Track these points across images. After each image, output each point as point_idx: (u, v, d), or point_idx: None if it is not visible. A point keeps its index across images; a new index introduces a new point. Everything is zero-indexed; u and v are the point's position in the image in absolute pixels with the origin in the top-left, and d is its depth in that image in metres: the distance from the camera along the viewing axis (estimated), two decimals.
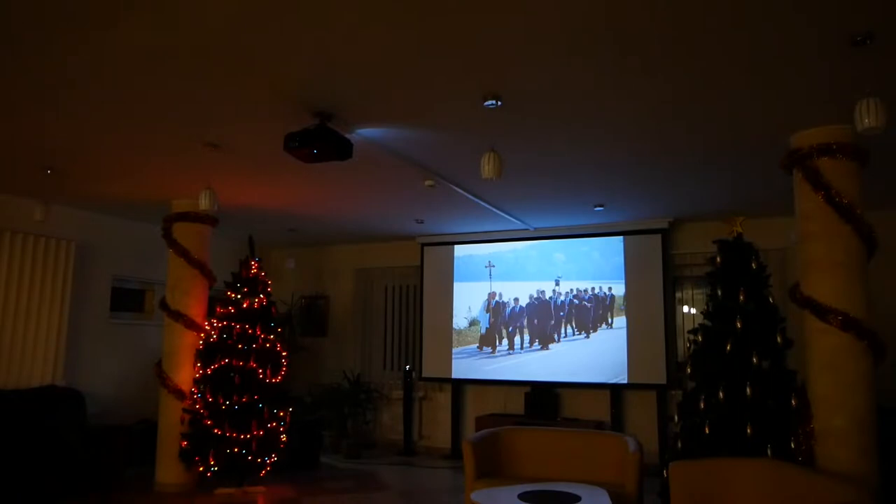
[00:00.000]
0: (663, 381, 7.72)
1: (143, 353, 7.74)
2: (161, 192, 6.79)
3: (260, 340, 6.69)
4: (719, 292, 5.19)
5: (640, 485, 5.00)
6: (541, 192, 6.74)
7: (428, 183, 6.29)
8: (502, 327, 8.81)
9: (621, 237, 8.19)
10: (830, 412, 4.46)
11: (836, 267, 4.58)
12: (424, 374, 9.14)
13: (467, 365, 8.87)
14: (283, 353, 6.89)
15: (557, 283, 8.53)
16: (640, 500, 5.02)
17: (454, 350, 8.99)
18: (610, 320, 8.18)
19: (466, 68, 3.82)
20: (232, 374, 6.49)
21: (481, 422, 8.20)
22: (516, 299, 8.76)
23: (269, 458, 6.61)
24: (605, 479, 5.05)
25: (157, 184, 6.49)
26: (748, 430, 4.66)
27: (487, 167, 4.59)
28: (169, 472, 6.68)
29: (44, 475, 5.90)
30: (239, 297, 6.81)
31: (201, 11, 3.21)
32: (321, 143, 4.45)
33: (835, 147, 4.60)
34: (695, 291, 8.09)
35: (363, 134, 4.92)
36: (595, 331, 8.25)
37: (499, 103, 4.24)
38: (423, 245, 9.38)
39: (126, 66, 3.83)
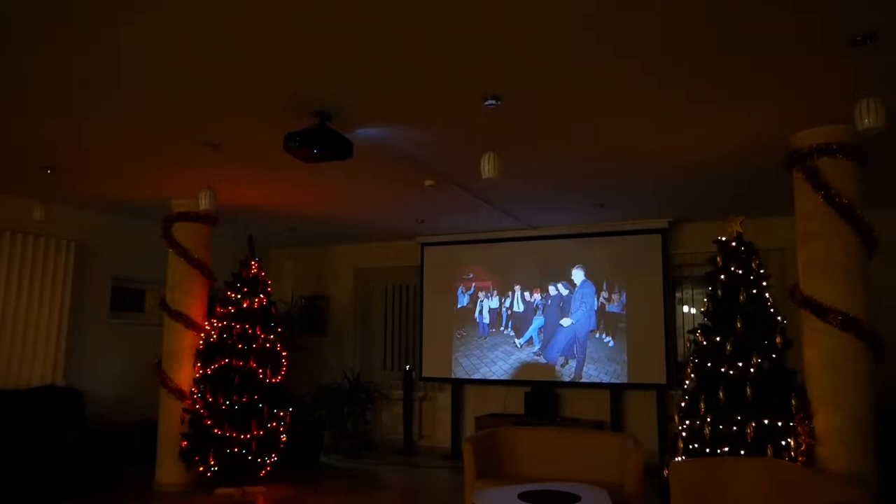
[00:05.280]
0: (663, 381, 7.72)
1: (143, 353, 7.72)
2: (161, 192, 6.79)
3: (260, 340, 6.69)
4: (719, 292, 5.19)
5: (640, 484, 5.00)
6: (541, 192, 6.75)
7: (428, 183, 6.29)
8: (503, 327, 8.80)
9: (621, 237, 8.19)
10: (830, 412, 4.46)
11: (836, 267, 4.59)
12: (424, 374, 9.14)
13: (468, 363, 8.86)
14: (283, 353, 6.89)
15: (557, 283, 8.52)
16: (640, 499, 5.01)
17: (454, 350, 8.99)
18: (610, 319, 8.18)
19: (466, 68, 3.82)
20: (232, 374, 6.49)
21: (481, 422, 8.20)
22: (516, 298, 8.76)
23: (269, 458, 6.61)
24: (605, 479, 5.04)
25: (157, 184, 6.49)
26: (748, 430, 4.66)
27: (487, 167, 4.58)
28: (169, 472, 6.68)
29: (44, 475, 5.90)
30: (239, 297, 6.81)
31: (202, 11, 3.21)
32: (321, 143, 4.45)
33: (835, 147, 4.61)
34: (695, 291, 8.08)
35: (363, 134, 4.92)
36: (595, 330, 8.24)
37: (499, 103, 4.24)
38: (423, 245, 9.37)
39: (126, 66, 3.83)
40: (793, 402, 4.61)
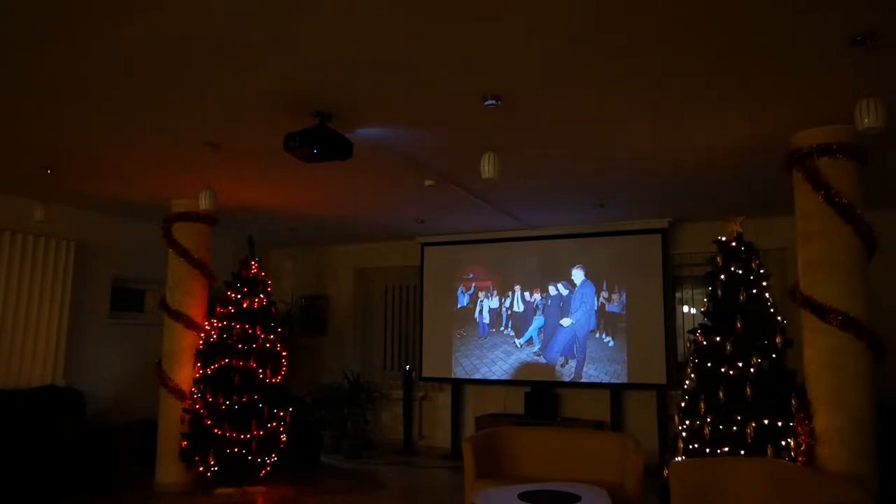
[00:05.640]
0: (663, 381, 7.72)
1: (143, 353, 7.73)
2: (161, 192, 6.79)
3: (260, 340, 6.69)
4: (719, 292, 5.19)
5: (640, 484, 5.00)
6: (541, 192, 6.75)
7: (428, 183, 6.29)
8: (503, 327, 8.80)
9: (621, 237, 8.19)
10: (830, 412, 4.46)
11: (836, 267, 4.59)
12: (424, 374, 9.14)
13: (468, 363, 8.86)
14: (283, 353, 6.89)
15: (557, 283, 8.52)
16: (640, 499, 5.02)
17: (454, 350, 8.99)
18: (610, 319, 8.18)
19: (466, 68, 3.82)
20: (232, 374, 6.49)
21: (481, 422, 8.20)
22: (516, 298, 8.76)
23: (269, 458, 6.61)
24: (605, 479, 5.05)
25: (157, 184, 6.49)
26: (748, 430, 4.66)
27: (487, 167, 4.58)
28: (169, 472, 6.68)
29: (44, 475, 5.90)
30: (239, 297, 6.81)
31: (202, 11, 3.21)
32: (321, 143, 4.45)
33: (835, 147, 4.61)
34: (695, 291, 8.08)
35: (363, 134, 4.92)
36: (595, 330, 8.24)
37: (499, 103, 4.24)
38: (423, 245, 9.37)
39: (126, 66, 3.83)
40: (793, 402, 4.61)
